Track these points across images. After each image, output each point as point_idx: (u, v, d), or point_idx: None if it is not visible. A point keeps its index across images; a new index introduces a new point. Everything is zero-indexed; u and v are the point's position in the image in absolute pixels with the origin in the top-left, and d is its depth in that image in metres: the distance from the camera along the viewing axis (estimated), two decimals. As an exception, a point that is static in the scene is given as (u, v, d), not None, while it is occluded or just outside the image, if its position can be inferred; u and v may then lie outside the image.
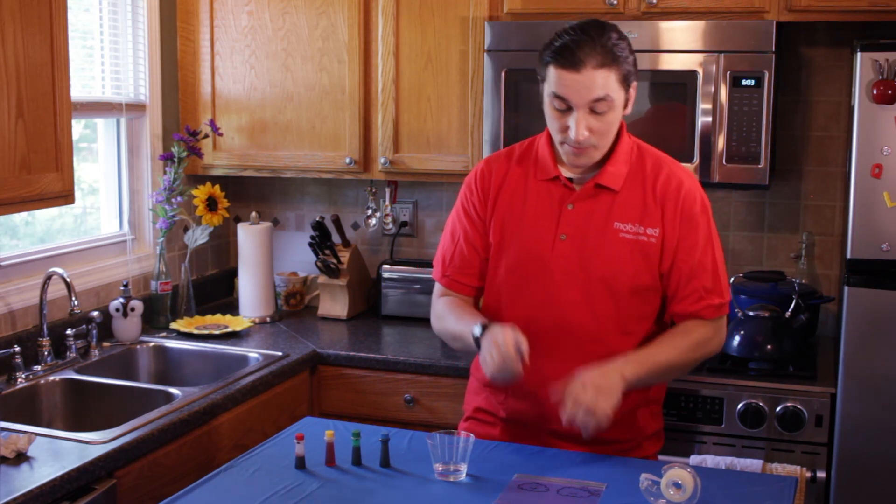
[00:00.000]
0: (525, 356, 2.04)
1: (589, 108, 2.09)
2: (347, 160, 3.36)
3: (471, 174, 2.36)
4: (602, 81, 2.06)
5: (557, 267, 2.20)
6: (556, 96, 2.10)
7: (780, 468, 2.71)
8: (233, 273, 3.83)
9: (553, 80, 2.10)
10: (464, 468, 2.04)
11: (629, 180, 2.21)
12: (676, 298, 2.22)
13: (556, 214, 2.22)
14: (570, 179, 2.23)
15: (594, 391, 2.02)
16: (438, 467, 2.05)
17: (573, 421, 2.02)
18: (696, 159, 2.95)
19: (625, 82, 2.11)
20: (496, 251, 2.28)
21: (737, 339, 2.97)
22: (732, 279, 3.15)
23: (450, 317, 2.31)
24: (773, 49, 2.86)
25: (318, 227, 3.47)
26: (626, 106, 2.16)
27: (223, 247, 3.88)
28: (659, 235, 2.18)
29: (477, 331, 2.14)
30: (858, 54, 2.67)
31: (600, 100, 2.08)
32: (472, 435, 2.07)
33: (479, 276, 2.34)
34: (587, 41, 2.06)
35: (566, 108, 2.11)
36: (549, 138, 2.24)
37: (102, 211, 3.40)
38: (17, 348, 2.72)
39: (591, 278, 2.19)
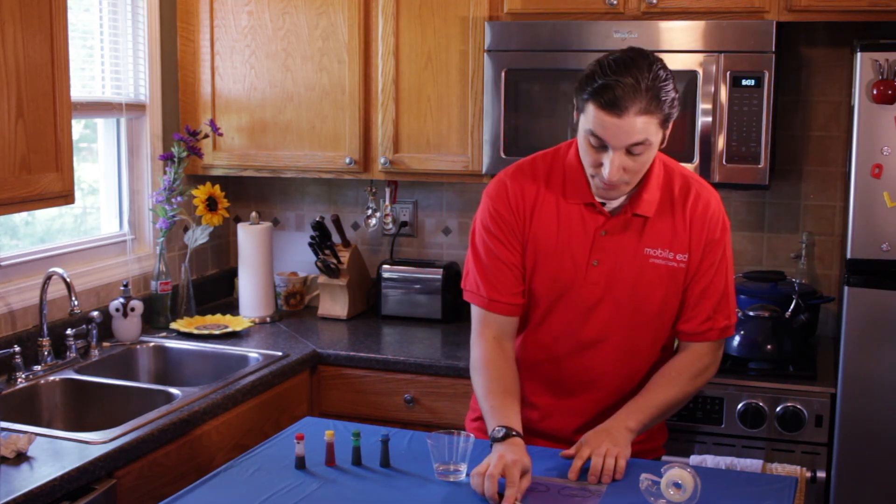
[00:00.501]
0: (520, 494, 1.90)
1: (625, 150, 2.02)
2: (347, 160, 3.36)
3: (497, 189, 2.24)
4: (642, 127, 1.99)
5: (588, 292, 2.18)
6: (593, 134, 2.03)
7: (780, 468, 2.71)
8: (233, 273, 3.83)
9: (591, 118, 2.01)
10: (464, 468, 2.04)
11: (660, 205, 2.17)
12: (684, 318, 2.22)
13: (590, 240, 2.17)
14: (603, 204, 2.18)
15: (608, 442, 2.05)
16: (439, 467, 2.04)
17: (597, 470, 2.01)
18: (696, 159, 2.95)
19: (664, 124, 2.04)
20: (529, 274, 2.23)
21: (737, 339, 2.97)
22: (732, 279, 3.15)
23: (480, 378, 2.21)
24: (773, 49, 2.86)
25: (318, 227, 3.47)
26: (662, 143, 2.09)
27: (223, 247, 3.88)
28: (688, 260, 2.18)
29: (497, 434, 2.04)
30: (858, 54, 2.67)
31: (638, 144, 2.02)
32: (472, 435, 2.06)
33: (522, 293, 2.23)
34: (632, 85, 1.96)
35: (601, 146, 2.04)
36: (579, 158, 2.16)
37: (102, 211, 3.40)
38: (17, 348, 2.72)
39: (620, 304, 2.18)
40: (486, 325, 2.24)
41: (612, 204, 2.17)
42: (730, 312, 2.23)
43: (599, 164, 2.06)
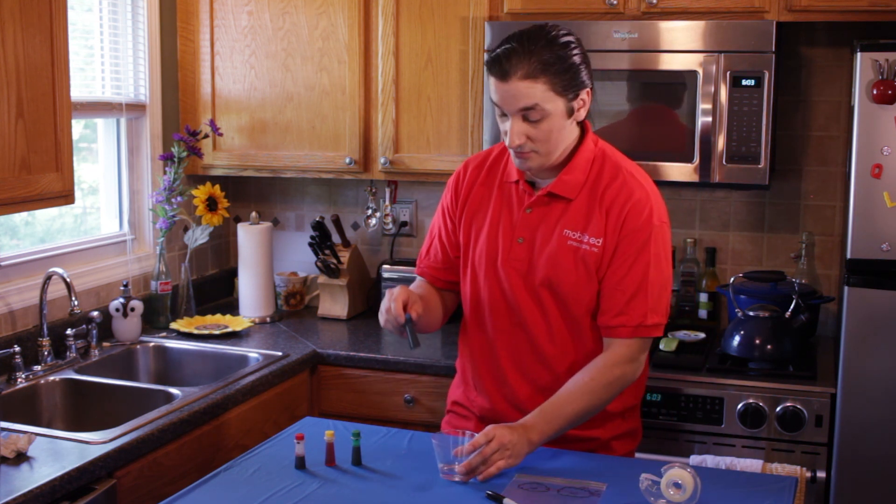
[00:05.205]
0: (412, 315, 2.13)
1: (521, 116, 2.10)
2: (347, 160, 3.36)
3: (453, 174, 2.40)
4: (527, 92, 2.07)
5: (512, 268, 2.23)
6: (493, 102, 2.14)
7: (780, 468, 2.71)
8: (233, 273, 3.83)
9: (490, 86, 2.14)
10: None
11: (585, 189, 2.20)
12: (600, 310, 2.20)
13: (516, 218, 2.25)
14: (532, 184, 2.25)
15: (505, 451, 2.01)
16: (443, 467, 2.04)
17: (469, 468, 1.99)
18: (696, 159, 2.95)
19: (563, 92, 2.09)
20: (465, 250, 2.33)
21: (737, 339, 2.97)
22: (732, 279, 3.15)
23: None
24: (773, 49, 2.86)
25: (318, 227, 3.47)
26: (570, 114, 2.13)
27: (223, 247, 3.88)
28: (601, 245, 2.16)
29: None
30: (858, 54, 2.67)
31: (529, 109, 2.08)
32: (476, 434, 2.07)
33: (449, 271, 2.37)
34: (517, 51, 2.07)
35: (503, 114, 2.14)
36: None
37: (102, 211, 3.40)
38: (17, 348, 2.72)
39: (538, 283, 2.21)
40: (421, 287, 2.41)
41: (541, 184, 2.23)
42: (646, 310, 2.15)
43: (506, 133, 2.15)
